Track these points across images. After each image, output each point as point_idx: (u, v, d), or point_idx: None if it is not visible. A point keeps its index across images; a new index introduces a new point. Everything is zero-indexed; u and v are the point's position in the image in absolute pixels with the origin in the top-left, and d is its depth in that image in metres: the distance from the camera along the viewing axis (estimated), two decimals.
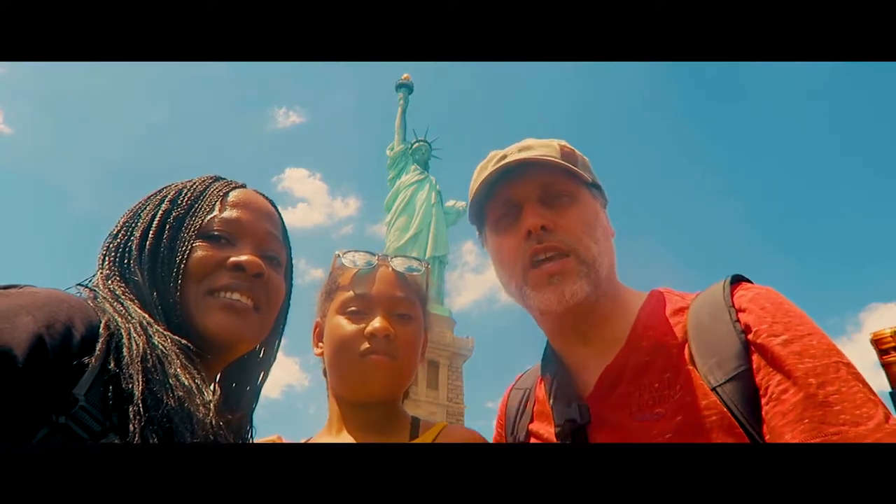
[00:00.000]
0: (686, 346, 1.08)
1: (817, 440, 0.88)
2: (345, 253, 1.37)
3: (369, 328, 1.26)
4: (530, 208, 1.16)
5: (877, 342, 1.06)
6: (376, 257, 1.36)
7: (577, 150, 1.24)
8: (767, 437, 0.94)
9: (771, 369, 0.97)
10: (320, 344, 1.37)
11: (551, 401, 1.24)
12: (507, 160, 1.19)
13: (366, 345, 1.25)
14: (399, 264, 1.36)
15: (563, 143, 1.24)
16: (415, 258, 1.41)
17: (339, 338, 1.29)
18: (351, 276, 1.35)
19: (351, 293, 1.31)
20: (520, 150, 1.22)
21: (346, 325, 1.29)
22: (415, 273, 1.38)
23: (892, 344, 1.04)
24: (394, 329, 1.27)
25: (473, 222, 1.32)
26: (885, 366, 1.05)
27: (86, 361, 0.76)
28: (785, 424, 0.92)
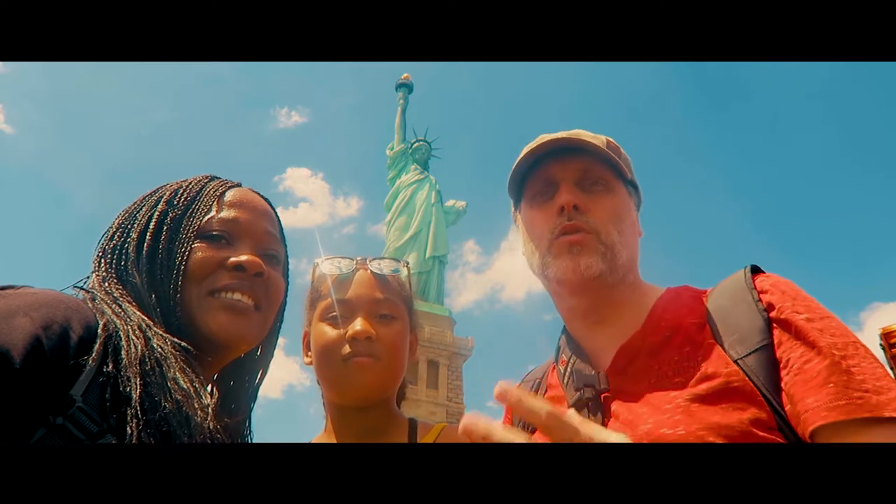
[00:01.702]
0: (706, 326, 1.10)
1: (842, 401, 0.90)
2: (323, 261, 1.37)
3: (350, 331, 1.26)
4: (566, 187, 1.20)
5: (886, 336, 1.10)
6: (355, 261, 1.36)
7: (622, 149, 1.28)
8: (787, 407, 0.96)
9: (795, 342, 1.00)
10: (309, 353, 1.37)
11: (566, 378, 1.25)
12: (553, 137, 1.22)
13: (348, 348, 1.26)
14: (378, 266, 1.36)
15: (611, 139, 1.27)
16: (394, 259, 1.40)
17: (323, 344, 1.29)
18: (331, 282, 1.34)
19: (331, 299, 1.32)
20: (568, 136, 1.25)
21: (329, 331, 1.29)
22: (395, 274, 1.37)
23: None
24: (376, 330, 1.27)
25: (512, 195, 1.34)
26: (893, 359, 1.08)
27: (83, 362, 0.75)
28: (808, 390, 0.94)
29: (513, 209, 1.36)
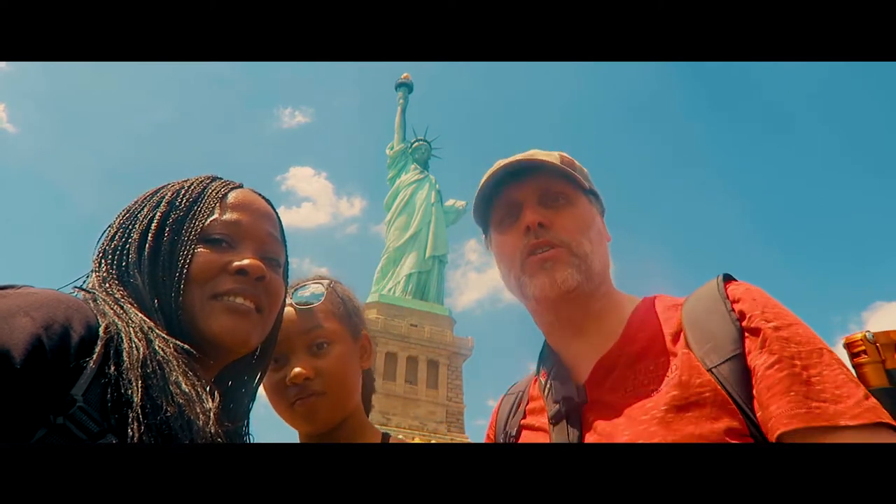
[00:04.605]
0: (681, 335, 1.14)
1: (801, 410, 0.94)
2: None
3: (288, 378, 1.27)
4: (529, 207, 1.24)
5: (849, 346, 1.17)
6: None
7: (576, 161, 1.33)
8: (758, 413, 1.00)
9: (762, 350, 1.03)
10: None
11: (546, 389, 1.28)
12: (508, 160, 1.27)
13: (290, 393, 1.28)
14: (298, 298, 1.34)
15: (564, 154, 1.32)
16: (312, 283, 1.38)
17: (268, 390, 1.31)
18: None
19: None
20: (522, 157, 1.29)
21: (270, 378, 1.30)
22: (316, 301, 1.35)
23: (863, 347, 1.15)
24: (314, 366, 1.28)
25: (479, 224, 1.39)
26: (857, 367, 1.14)
27: (84, 363, 0.75)
28: (771, 397, 0.98)
29: (483, 238, 1.40)
